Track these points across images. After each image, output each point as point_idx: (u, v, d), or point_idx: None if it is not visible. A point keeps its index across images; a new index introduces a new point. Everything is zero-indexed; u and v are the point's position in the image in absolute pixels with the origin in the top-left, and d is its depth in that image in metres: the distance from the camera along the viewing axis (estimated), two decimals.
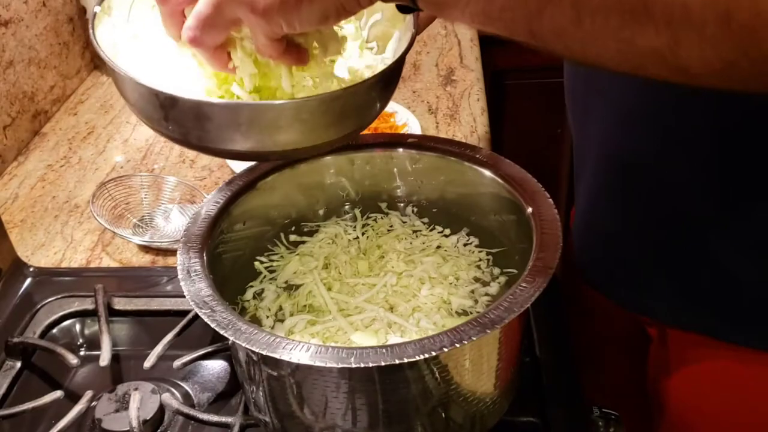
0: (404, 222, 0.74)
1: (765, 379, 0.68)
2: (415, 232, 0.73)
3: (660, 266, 0.71)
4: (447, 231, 0.73)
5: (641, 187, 0.69)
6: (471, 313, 0.64)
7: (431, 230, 0.73)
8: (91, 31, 0.57)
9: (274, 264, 0.70)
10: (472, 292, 0.66)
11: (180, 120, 0.53)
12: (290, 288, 0.67)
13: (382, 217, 0.75)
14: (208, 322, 0.54)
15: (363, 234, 0.73)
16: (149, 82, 0.53)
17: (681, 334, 0.72)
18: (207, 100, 0.55)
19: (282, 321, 0.64)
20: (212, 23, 0.52)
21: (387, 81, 0.58)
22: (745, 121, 0.59)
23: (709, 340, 0.69)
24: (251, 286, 0.68)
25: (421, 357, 0.50)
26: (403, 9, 0.55)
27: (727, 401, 0.71)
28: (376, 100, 0.58)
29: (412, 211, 0.75)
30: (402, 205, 0.76)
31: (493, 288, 0.66)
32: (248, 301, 0.66)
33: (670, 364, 0.75)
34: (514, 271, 0.67)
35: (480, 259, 0.70)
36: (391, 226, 0.74)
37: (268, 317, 0.64)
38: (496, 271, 0.68)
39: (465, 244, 0.71)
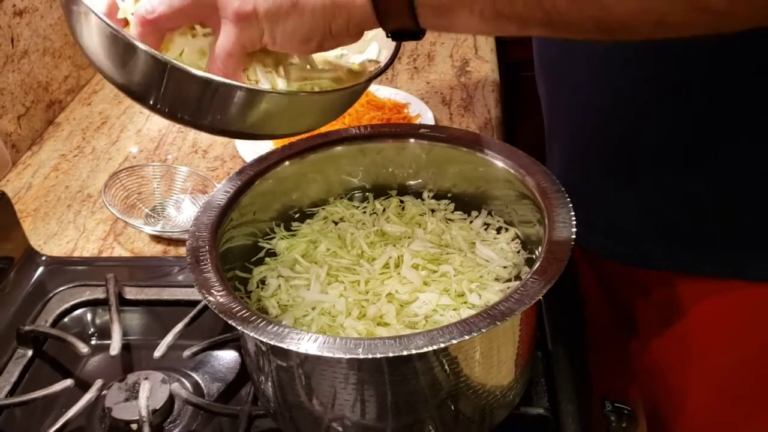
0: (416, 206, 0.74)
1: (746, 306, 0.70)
2: (433, 210, 0.73)
3: (635, 211, 0.73)
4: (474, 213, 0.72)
5: (616, 142, 0.71)
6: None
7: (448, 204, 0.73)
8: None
9: (278, 249, 0.70)
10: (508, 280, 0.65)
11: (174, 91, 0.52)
12: (293, 279, 0.66)
13: (401, 201, 0.74)
14: (216, 312, 0.53)
15: (376, 213, 0.73)
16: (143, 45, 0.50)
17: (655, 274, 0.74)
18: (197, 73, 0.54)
19: (285, 310, 0.63)
20: (180, 8, 0.49)
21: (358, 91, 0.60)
22: (715, 75, 0.62)
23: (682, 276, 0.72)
24: (257, 275, 0.67)
25: (430, 348, 0.49)
26: (398, 35, 0.52)
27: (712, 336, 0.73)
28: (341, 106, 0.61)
29: (428, 196, 0.74)
30: (412, 194, 0.75)
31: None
32: (254, 290, 0.66)
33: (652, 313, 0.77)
34: (532, 256, 0.66)
35: (513, 238, 0.69)
36: (403, 208, 0.73)
37: (273, 307, 0.63)
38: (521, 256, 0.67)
39: (488, 225, 0.71)
